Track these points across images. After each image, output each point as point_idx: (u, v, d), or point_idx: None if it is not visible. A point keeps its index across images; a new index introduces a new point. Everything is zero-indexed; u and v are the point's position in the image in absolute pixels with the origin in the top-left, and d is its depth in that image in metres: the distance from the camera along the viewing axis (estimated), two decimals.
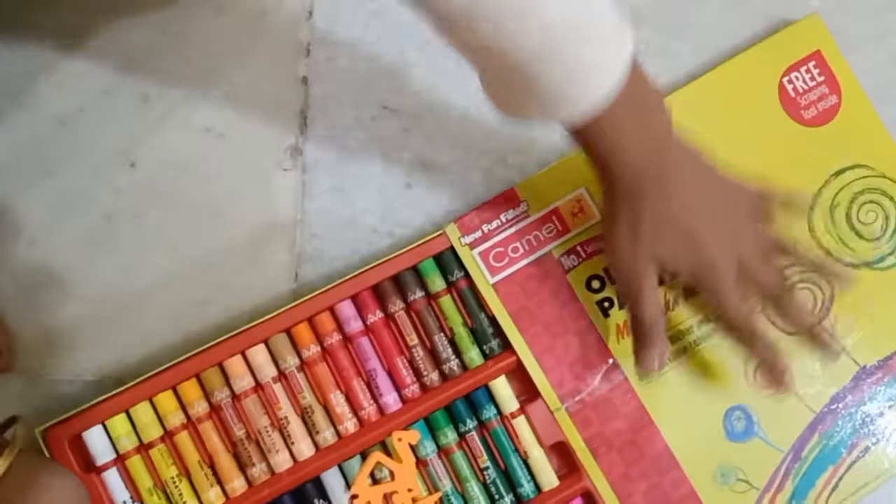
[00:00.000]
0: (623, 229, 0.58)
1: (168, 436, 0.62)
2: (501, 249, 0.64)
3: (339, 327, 0.64)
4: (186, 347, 0.63)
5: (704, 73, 0.67)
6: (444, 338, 0.64)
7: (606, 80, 0.50)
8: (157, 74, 0.68)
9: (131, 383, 0.61)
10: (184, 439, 0.62)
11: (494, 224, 0.65)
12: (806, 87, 0.67)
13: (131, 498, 0.61)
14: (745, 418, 0.64)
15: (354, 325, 0.63)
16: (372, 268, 0.63)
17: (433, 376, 0.64)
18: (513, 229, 0.65)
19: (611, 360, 0.64)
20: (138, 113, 0.67)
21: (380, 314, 0.64)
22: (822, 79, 0.67)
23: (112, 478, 0.61)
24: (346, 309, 0.64)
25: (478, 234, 0.64)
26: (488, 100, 0.55)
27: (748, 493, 0.63)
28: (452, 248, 0.64)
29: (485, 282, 0.64)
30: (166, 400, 0.62)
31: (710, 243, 0.57)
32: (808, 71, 0.67)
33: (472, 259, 0.64)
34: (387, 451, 0.63)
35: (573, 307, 0.64)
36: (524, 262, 0.64)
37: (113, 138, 0.67)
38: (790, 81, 0.67)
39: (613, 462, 0.63)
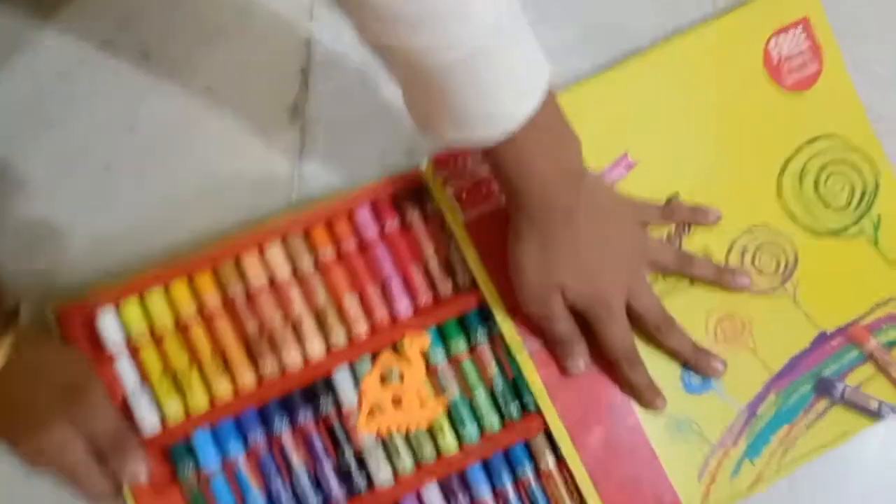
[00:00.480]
0: (533, 249, 0.59)
1: (180, 326, 0.62)
2: (474, 187, 0.65)
3: (356, 232, 0.64)
4: None
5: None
6: (457, 253, 0.64)
7: (525, 104, 0.51)
8: (158, 31, 0.68)
9: (146, 271, 0.61)
10: (196, 330, 0.62)
11: (469, 162, 0.65)
12: (790, 53, 0.68)
13: (141, 384, 0.61)
14: None
15: (371, 232, 0.64)
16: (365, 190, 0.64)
17: (447, 287, 0.64)
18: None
19: None
20: (139, 69, 0.67)
21: (397, 222, 0.64)
22: (806, 45, 0.68)
23: (123, 364, 0.61)
24: (364, 214, 0.64)
25: (452, 170, 0.65)
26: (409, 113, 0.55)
27: (701, 446, 0.63)
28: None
29: (456, 218, 0.64)
30: (180, 290, 0.62)
31: (609, 284, 0.61)
32: (794, 36, 0.68)
33: (444, 195, 0.64)
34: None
35: None
36: (496, 201, 0.65)
37: (113, 93, 0.67)
38: (776, 45, 0.68)
39: (570, 404, 0.63)
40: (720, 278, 0.65)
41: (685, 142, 0.67)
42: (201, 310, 0.62)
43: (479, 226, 0.64)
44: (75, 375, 0.59)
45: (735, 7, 0.69)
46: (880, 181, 0.68)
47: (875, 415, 0.65)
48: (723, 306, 0.65)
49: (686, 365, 0.64)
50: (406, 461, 0.62)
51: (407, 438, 0.62)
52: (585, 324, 0.62)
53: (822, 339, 0.66)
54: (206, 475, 0.61)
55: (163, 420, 0.61)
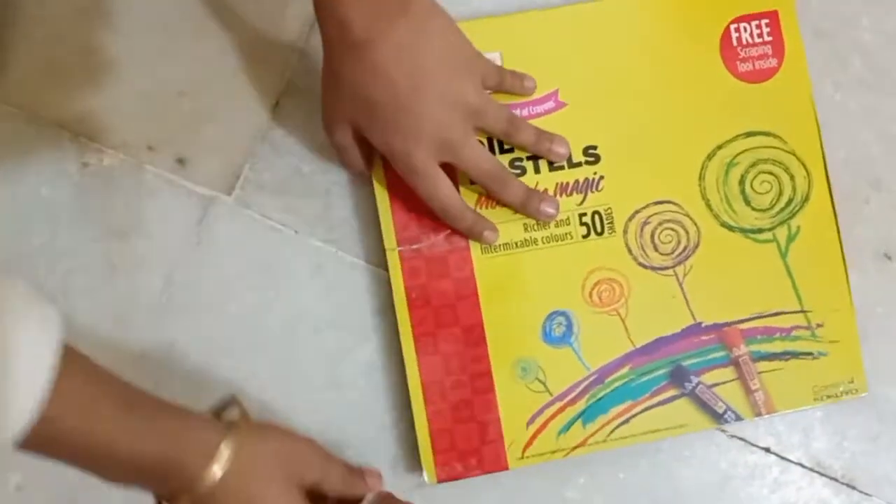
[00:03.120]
0: (327, 77, 0.59)
1: None
2: None
3: None
4: None
5: None
6: None
7: None
8: None
9: None
10: None
11: None
12: (750, 42, 0.66)
13: None
14: (565, 325, 0.64)
15: None
16: None
17: None
18: None
19: None
20: None
21: None
22: (769, 39, 0.66)
23: None
24: None
25: None
26: None
27: (540, 395, 0.64)
28: None
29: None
30: None
31: (406, 134, 0.58)
32: (758, 27, 0.66)
33: None
34: None
35: None
36: None
37: None
38: (737, 30, 0.66)
39: (425, 318, 0.63)
40: (538, 145, 0.63)
41: (620, 98, 0.65)
42: None
43: None
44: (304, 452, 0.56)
45: None
46: (812, 194, 0.66)
47: (718, 417, 0.64)
48: (606, 269, 0.65)
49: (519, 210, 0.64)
50: None
51: None
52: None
53: (695, 329, 0.65)
54: None
55: None
